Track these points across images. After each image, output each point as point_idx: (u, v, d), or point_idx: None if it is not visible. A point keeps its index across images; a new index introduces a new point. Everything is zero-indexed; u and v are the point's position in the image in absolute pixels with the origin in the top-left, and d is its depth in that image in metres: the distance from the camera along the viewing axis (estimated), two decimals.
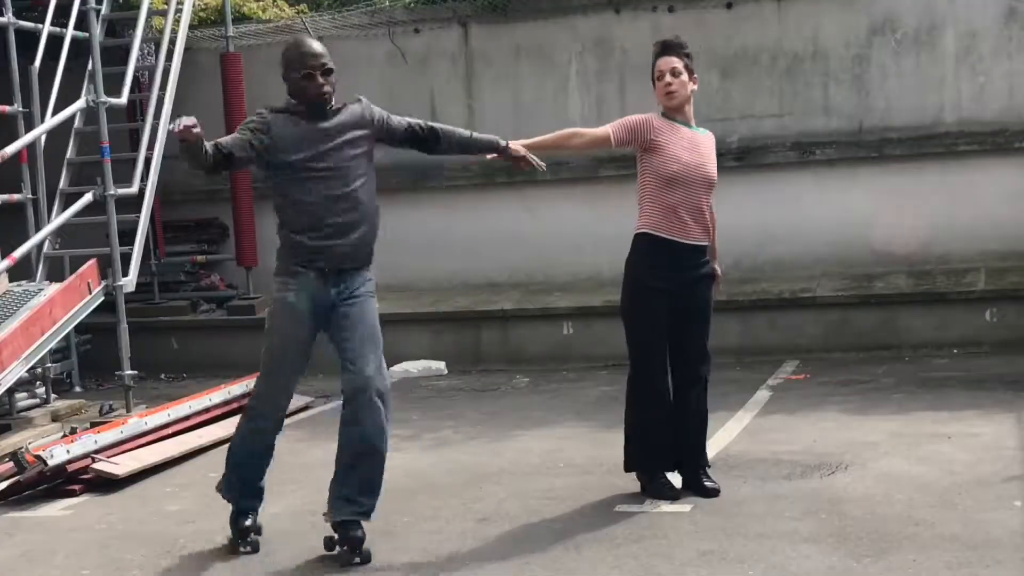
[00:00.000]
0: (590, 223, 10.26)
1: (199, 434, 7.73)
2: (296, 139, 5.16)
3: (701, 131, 5.84)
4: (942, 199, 9.83)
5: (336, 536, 5.20)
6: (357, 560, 5.08)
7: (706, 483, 5.77)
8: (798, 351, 9.59)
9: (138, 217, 9.00)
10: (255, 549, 5.33)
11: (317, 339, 5.52)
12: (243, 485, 5.44)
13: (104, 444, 6.95)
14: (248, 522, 5.41)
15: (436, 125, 5.77)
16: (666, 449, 5.78)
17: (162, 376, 10.71)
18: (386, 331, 10.73)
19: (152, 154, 9.31)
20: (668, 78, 5.69)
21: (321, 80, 5.15)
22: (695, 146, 5.72)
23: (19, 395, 8.58)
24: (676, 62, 5.70)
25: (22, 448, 6.71)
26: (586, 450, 6.87)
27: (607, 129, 5.79)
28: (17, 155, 8.49)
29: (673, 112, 5.75)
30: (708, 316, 5.83)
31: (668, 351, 5.79)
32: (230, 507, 5.45)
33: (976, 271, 9.64)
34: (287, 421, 8.46)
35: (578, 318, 10.14)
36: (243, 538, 5.37)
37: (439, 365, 10.16)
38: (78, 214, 8.61)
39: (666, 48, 5.75)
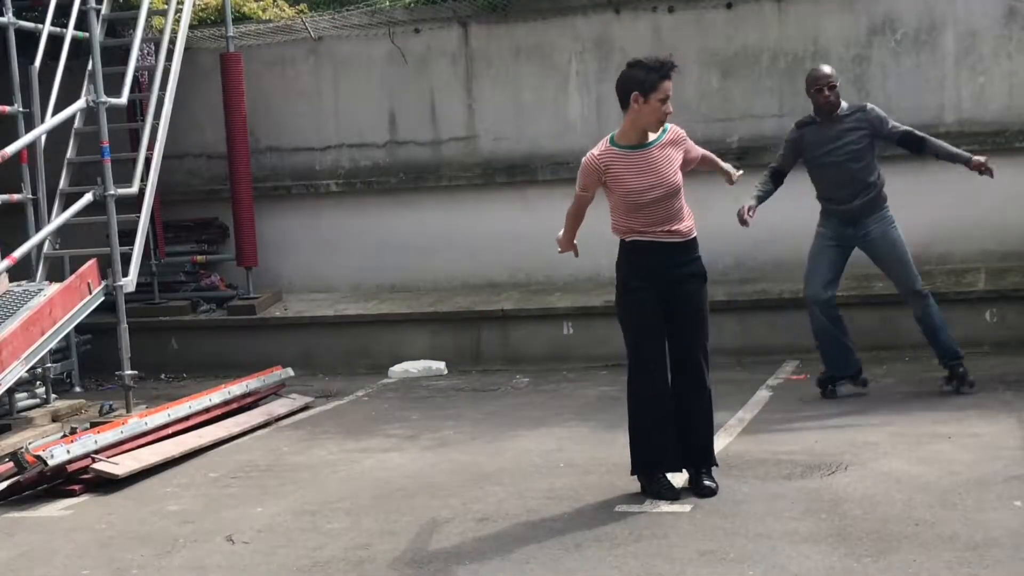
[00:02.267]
0: (590, 223, 10.14)
1: (199, 434, 7.73)
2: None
3: (651, 143, 5.74)
4: (942, 199, 9.81)
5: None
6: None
7: (704, 482, 5.78)
8: (798, 351, 9.56)
9: (138, 217, 9.01)
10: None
11: None
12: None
13: (104, 444, 6.95)
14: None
15: (925, 136, 7.76)
16: (668, 449, 5.78)
17: (162, 376, 10.71)
18: (386, 331, 10.88)
19: (152, 154, 9.32)
20: (669, 106, 5.66)
21: (827, 93, 7.55)
22: (649, 164, 5.68)
23: (19, 395, 8.58)
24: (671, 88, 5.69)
25: (22, 448, 6.71)
26: (586, 450, 6.87)
27: (576, 192, 5.90)
28: (17, 155, 8.48)
29: (640, 136, 5.72)
30: (702, 314, 5.83)
31: (668, 353, 5.80)
32: None
33: (976, 271, 9.63)
34: (286, 421, 8.52)
35: (578, 318, 10.13)
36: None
37: (439, 365, 10.16)
38: (78, 214, 8.62)
39: (670, 72, 5.64)
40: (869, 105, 7.81)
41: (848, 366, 7.87)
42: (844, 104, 7.73)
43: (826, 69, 7.75)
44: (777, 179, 8.05)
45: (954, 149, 7.80)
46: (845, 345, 7.84)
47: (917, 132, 7.78)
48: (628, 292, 5.77)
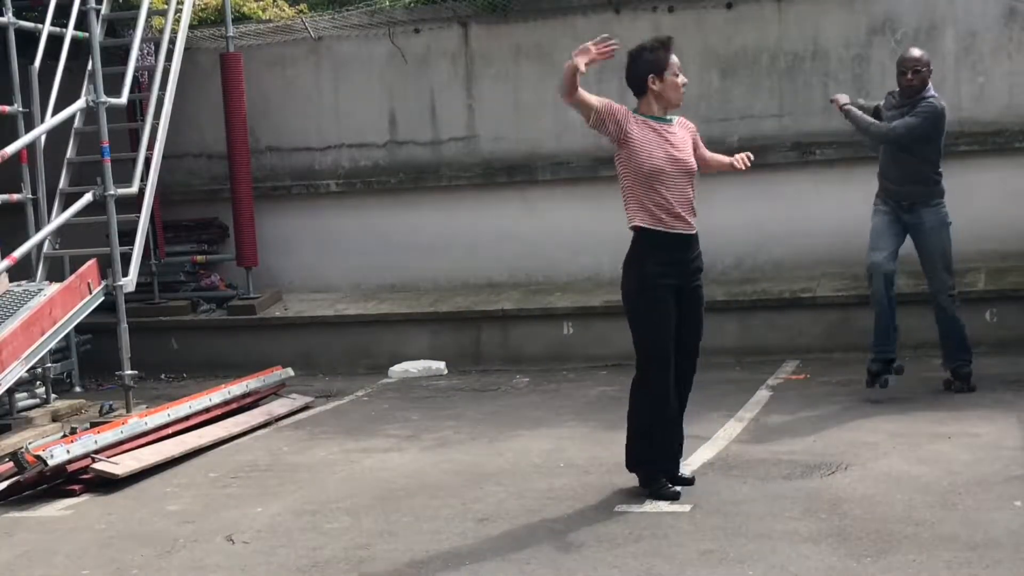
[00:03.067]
0: (590, 223, 10.27)
1: (199, 434, 7.73)
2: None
3: (672, 120, 5.82)
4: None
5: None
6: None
7: (686, 474, 5.94)
8: (798, 351, 9.58)
9: (138, 217, 9.01)
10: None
11: None
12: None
13: (104, 444, 6.95)
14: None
15: (883, 125, 7.76)
16: (673, 447, 5.83)
17: (162, 376, 10.71)
18: (386, 331, 10.88)
19: (152, 154, 9.32)
20: (683, 77, 5.74)
21: (910, 76, 7.63)
22: (666, 138, 5.69)
23: (19, 395, 8.58)
24: None
25: (22, 448, 6.71)
26: (586, 450, 6.87)
27: (595, 103, 5.68)
28: (17, 155, 8.49)
29: (661, 111, 5.76)
30: (703, 313, 5.89)
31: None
32: None
33: (976, 271, 9.63)
34: (286, 421, 8.53)
35: (578, 318, 10.14)
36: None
37: (439, 365, 10.16)
38: (78, 214, 8.62)
39: (671, 45, 5.75)
40: (936, 99, 7.73)
41: (883, 351, 7.77)
42: (931, 92, 7.70)
43: (915, 52, 7.74)
44: (876, 114, 8.02)
45: (872, 120, 7.82)
46: (894, 327, 7.77)
47: (889, 125, 7.71)
48: (650, 289, 5.66)
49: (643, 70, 5.70)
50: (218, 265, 11.54)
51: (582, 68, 5.51)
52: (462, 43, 11.00)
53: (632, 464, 5.87)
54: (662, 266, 5.66)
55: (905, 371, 8.13)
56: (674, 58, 5.72)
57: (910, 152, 7.73)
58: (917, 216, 7.74)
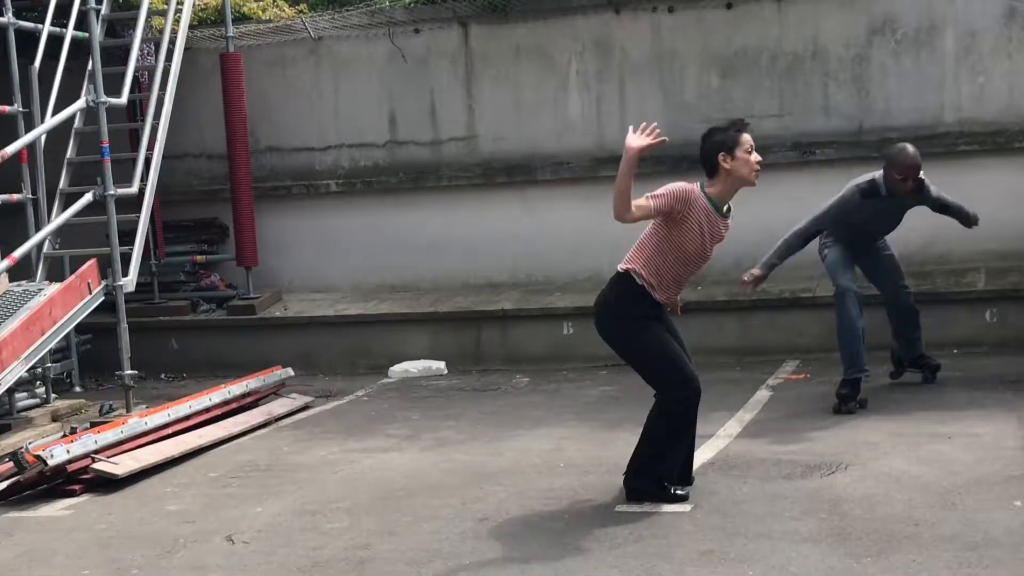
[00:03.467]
0: (590, 223, 10.25)
1: (199, 434, 7.74)
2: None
3: (728, 215, 5.77)
4: None
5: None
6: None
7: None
8: (798, 351, 9.58)
9: (138, 217, 9.01)
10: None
11: None
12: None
13: (104, 444, 6.95)
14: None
15: (950, 203, 7.84)
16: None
17: (162, 376, 10.71)
18: (386, 331, 10.87)
19: (152, 154, 9.32)
20: (756, 155, 5.67)
21: (911, 184, 7.48)
22: (714, 233, 5.68)
23: (19, 395, 8.58)
24: None
25: (22, 448, 6.71)
26: (586, 450, 6.88)
27: (648, 203, 5.53)
28: (17, 155, 8.49)
29: (731, 192, 5.71)
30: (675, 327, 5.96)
31: None
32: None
33: (976, 271, 9.63)
34: (286, 421, 8.52)
35: (578, 318, 10.12)
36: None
37: (439, 365, 10.16)
38: (78, 214, 8.62)
39: (744, 126, 5.72)
40: (929, 185, 7.66)
41: (863, 366, 7.61)
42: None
43: (917, 156, 7.45)
44: (808, 242, 7.90)
45: (964, 209, 7.86)
46: (863, 345, 7.63)
47: (946, 199, 7.81)
48: (647, 321, 5.69)
49: (714, 149, 5.66)
50: (218, 265, 11.54)
51: (643, 144, 5.40)
52: (462, 43, 11.00)
53: (633, 497, 5.77)
54: (642, 310, 5.70)
55: (904, 372, 8.16)
56: (746, 136, 5.66)
57: (893, 229, 7.89)
58: (872, 249, 7.92)
